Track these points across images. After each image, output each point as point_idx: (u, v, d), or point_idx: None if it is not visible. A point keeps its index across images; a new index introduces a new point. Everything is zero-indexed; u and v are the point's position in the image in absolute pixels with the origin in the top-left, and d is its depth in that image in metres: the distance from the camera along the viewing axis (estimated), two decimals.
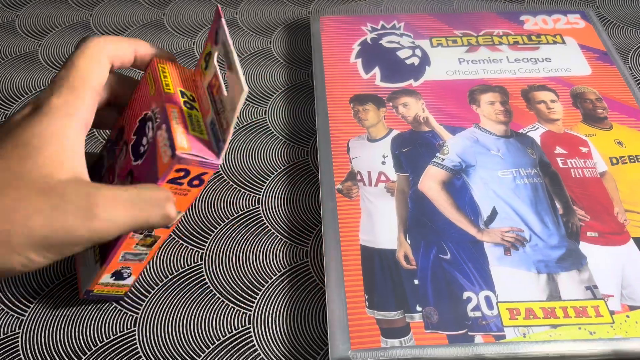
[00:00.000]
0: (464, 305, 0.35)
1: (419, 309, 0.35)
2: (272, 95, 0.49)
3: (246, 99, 0.49)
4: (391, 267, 0.37)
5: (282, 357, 0.35)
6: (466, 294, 0.35)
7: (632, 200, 0.40)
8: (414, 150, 0.43)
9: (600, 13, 0.58)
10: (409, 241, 0.38)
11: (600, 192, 0.40)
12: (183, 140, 0.27)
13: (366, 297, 0.35)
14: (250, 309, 0.37)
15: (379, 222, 0.39)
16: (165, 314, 0.36)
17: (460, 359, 0.33)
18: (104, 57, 0.30)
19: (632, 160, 0.42)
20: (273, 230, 0.40)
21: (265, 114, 0.48)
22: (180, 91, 0.30)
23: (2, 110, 0.48)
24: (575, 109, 0.46)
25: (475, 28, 0.53)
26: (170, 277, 0.38)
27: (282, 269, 0.39)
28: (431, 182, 0.41)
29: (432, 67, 0.49)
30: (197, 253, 0.39)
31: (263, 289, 0.38)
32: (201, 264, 0.39)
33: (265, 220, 0.41)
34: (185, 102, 0.30)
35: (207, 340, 0.35)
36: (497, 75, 0.48)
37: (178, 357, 0.34)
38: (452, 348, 0.33)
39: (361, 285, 0.36)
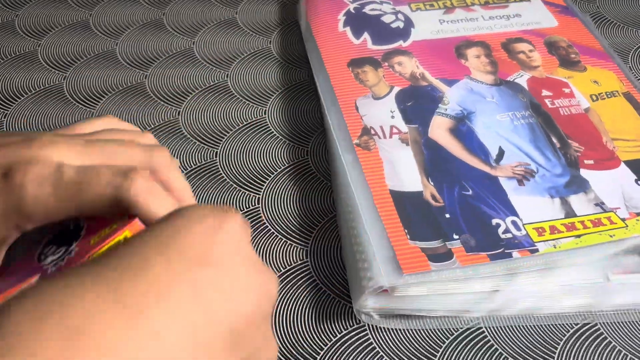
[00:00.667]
0: (495, 230, 0.37)
1: (456, 237, 0.37)
2: (272, 95, 0.49)
3: (246, 99, 0.49)
4: (422, 206, 0.39)
5: (282, 357, 0.35)
6: (495, 221, 0.38)
7: (616, 130, 0.44)
8: (417, 103, 0.46)
9: (600, 13, 0.58)
10: (431, 183, 0.40)
11: (588, 125, 0.44)
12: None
13: (406, 231, 0.37)
14: None
15: (401, 169, 0.41)
16: None
17: (507, 270, 0.35)
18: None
19: (609, 96, 0.47)
20: (273, 230, 0.40)
21: (265, 114, 0.48)
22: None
23: (2, 111, 0.48)
24: (552, 56, 0.50)
25: None
26: None
27: (282, 269, 0.39)
28: (440, 130, 0.44)
29: (417, 29, 0.52)
30: None
31: None
32: None
33: (265, 220, 0.41)
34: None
35: None
36: (477, 32, 0.52)
37: None
38: (495, 264, 0.35)
39: (399, 221, 0.38)
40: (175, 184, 0.29)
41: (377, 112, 0.45)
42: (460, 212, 0.39)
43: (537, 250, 0.36)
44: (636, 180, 0.40)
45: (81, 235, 0.27)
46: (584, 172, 0.41)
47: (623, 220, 0.38)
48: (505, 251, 0.36)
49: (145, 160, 0.28)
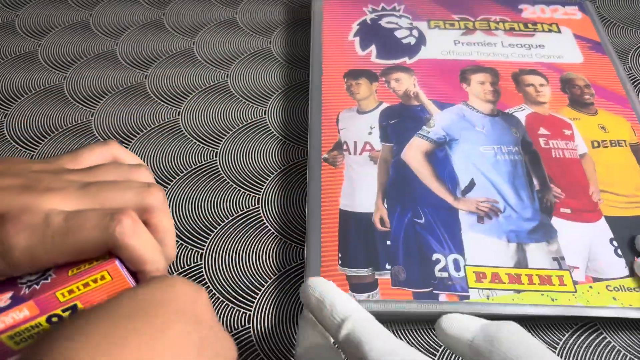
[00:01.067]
0: (432, 266, 0.36)
1: (388, 267, 0.36)
2: (272, 95, 0.49)
3: (246, 99, 0.49)
4: (366, 229, 0.38)
5: (282, 357, 0.35)
6: (435, 256, 0.37)
7: (608, 181, 0.42)
8: (401, 122, 0.45)
9: (600, 13, 0.58)
10: (386, 205, 0.40)
11: (578, 172, 0.42)
12: None
13: (340, 255, 0.37)
14: (250, 309, 0.37)
15: (359, 188, 0.40)
16: None
17: (423, 314, 0.35)
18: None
19: (614, 145, 0.44)
20: (273, 230, 0.40)
21: (265, 114, 0.48)
22: (70, 307, 0.27)
23: (2, 111, 0.48)
24: (564, 93, 0.48)
25: (473, 13, 0.54)
26: None
27: (282, 268, 0.39)
28: (415, 152, 0.43)
29: (427, 47, 0.51)
30: (197, 253, 0.39)
31: (263, 289, 0.38)
32: (201, 264, 0.39)
33: (265, 220, 0.41)
34: (51, 316, 0.27)
35: None
36: (490, 58, 0.50)
37: None
38: (416, 303, 0.35)
39: (336, 245, 0.38)
40: (162, 226, 0.30)
41: (356, 126, 0.44)
42: (404, 239, 0.38)
43: (467, 297, 0.35)
44: (611, 240, 0.38)
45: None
46: (555, 221, 0.39)
47: (575, 283, 0.36)
48: (434, 292, 0.35)
49: (138, 202, 0.29)
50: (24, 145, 0.46)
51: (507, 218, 0.39)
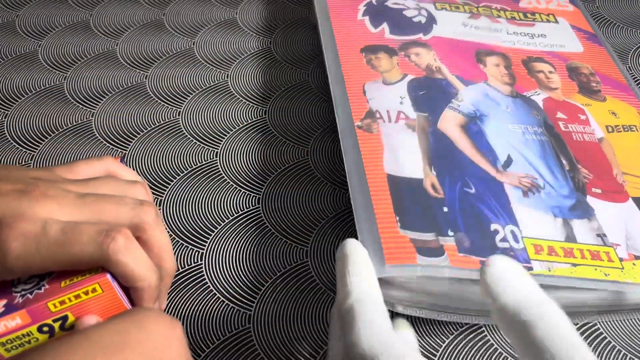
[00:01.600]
0: (492, 236, 0.36)
1: (450, 233, 0.35)
2: (272, 95, 0.49)
3: (246, 99, 0.49)
4: (420, 194, 0.37)
5: (282, 357, 0.35)
6: (493, 226, 0.36)
7: (627, 165, 0.42)
8: (430, 93, 0.44)
9: (600, 13, 0.58)
10: (434, 172, 0.39)
11: (600, 155, 0.42)
12: None
13: (397, 218, 0.35)
14: (250, 309, 0.37)
15: (402, 154, 0.39)
16: None
17: None
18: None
19: (626, 129, 0.44)
20: (273, 230, 0.40)
21: (265, 114, 0.48)
22: (60, 318, 0.28)
23: (2, 111, 0.48)
24: (572, 80, 0.48)
25: (475, 0, 0.55)
26: None
27: (282, 269, 0.39)
28: (450, 123, 0.42)
29: (439, 26, 0.51)
30: (197, 253, 0.39)
31: (263, 289, 0.38)
32: (201, 264, 0.39)
33: (265, 220, 0.41)
34: (42, 325, 0.28)
35: (207, 340, 0.35)
36: (499, 43, 0.50)
37: None
38: None
39: (391, 207, 0.36)
40: (157, 241, 0.30)
41: (385, 96, 0.44)
42: (460, 208, 0.37)
43: (531, 269, 0.34)
44: None
45: (54, 273, 0.28)
46: (590, 200, 0.39)
47: (620, 260, 0.36)
48: None
49: (131, 219, 0.29)
50: (24, 145, 0.46)
51: (548, 194, 0.39)
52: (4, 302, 0.27)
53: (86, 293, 0.27)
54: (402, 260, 0.33)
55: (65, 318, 0.28)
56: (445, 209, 0.37)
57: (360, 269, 0.30)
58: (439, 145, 0.40)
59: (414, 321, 0.36)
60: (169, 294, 0.37)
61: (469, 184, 0.38)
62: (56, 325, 0.28)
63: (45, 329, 0.28)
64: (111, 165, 0.33)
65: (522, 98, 0.45)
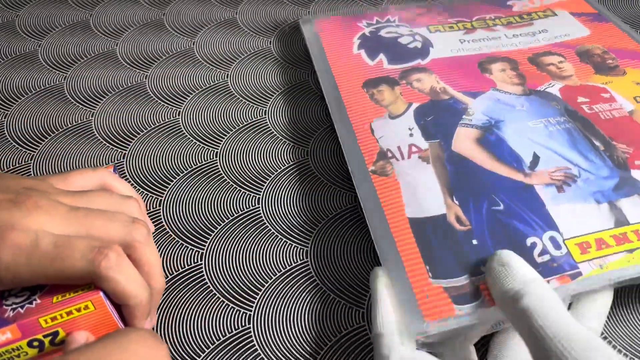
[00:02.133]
0: (529, 252, 0.33)
1: (483, 269, 0.33)
2: (272, 95, 0.49)
3: (246, 99, 0.49)
4: (445, 233, 0.35)
5: (282, 357, 0.35)
6: (529, 240, 0.33)
7: None
8: (438, 117, 0.42)
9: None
10: (456, 202, 0.36)
11: (634, 126, 0.40)
12: None
13: (427, 267, 0.33)
14: (250, 309, 0.37)
15: (421, 192, 0.37)
16: (164, 314, 0.36)
17: None
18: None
19: None
20: (273, 230, 0.40)
21: (265, 114, 0.48)
22: (51, 334, 0.28)
23: (2, 111, 0.48)
24: (585, 64, 0.47)
25: (468, 16, 0.54)
26: (170, 277, 0.38)
27: (282, 269, 0.39)
28: (465, 141, 0.40)
29: (436, 48, 0.50)
30: (197, 253, 0.39)
31: (263, 289, 0.38)
32: (201, 264, 0.39)
33: (265, 220, 0.41)
34: (32, 340, 0.28)
35: (207, 340, 0.35)
36: (501, 49, 0.49)
37: (178, 357, 0.34)
38: None
39: (419, 256, 0.34)
40: (147, 259, 0.30)
41: (394, 131, 0.42)
42: (489, 233, 0.34)
43: (579, 274, 0.31)
44: None
45: (46, 287, 0.28)
46: (635, 173, 0.36)
47: None
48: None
49: (123, 237, 0.29)
50: (24, 145, 0.46)
51: (586, 181, 0.36)
52: None
53: (78, 310, 0.27)
54: (440, 314, 0.31)
55: (55, 334, 0.28)
56: (475, 241, 0.34)
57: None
58: (458, 169, 0.38)
59: None
60: (169, 294, 0.37)
61: (496, 201, 0.36)
62: (46, 340, 0.28)
63: (36, 343, 0.28)
64: (106, 177, 0.33)
65: (536, 93, 0.44)
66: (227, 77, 0.51)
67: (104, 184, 0.34)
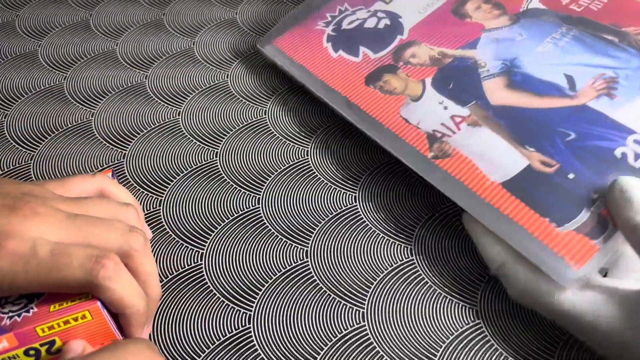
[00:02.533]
0: (624, 162, 0.33)
1: (595, 196, 0.33)
2: (272, 95, 0.49)
3: (246, 99, 0.49)
4: (541, 180, 0.34)
5: (282, 357, 0.35)
6: (618, 152, 0.34)
7: None
8: (457, 82, 0.41)
9: None
10: (531, 149, 0.36)
11: (628, 3, 0.40)
12: None
13: (548, 220, 0.33)
14: (250, 309, 0.37)
15: (494, 154, 0.36)
16: (164, 314, 0.36)
17: None
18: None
19: None
20: (273, 230, 0.40)
21: (265, 114, 0.48)
22: (48, 342, 0.28)
23: (2, 111, 0.48)
24: None
25: None
26: (170, 277, 0.38)
27: (282, 269, 0.39)
28: (498, 92, 0.39)
29: (405, 17, 0.48)
30: (197, 253, 0.39)
31: (263, 289, 0.38)
32: (201, 264, 0.39)
33: (265, 220, 0.41)
34: (29, 349, 0.28)
35: (207, 340, 0.35)
36: None
37: (178, 357, 0.34)
38: None
39: (534, 214, 0.33)
40: (144, 268, 0.30)
41: (427, 112, 0.40)
42: (580, 163, 0.33)
43: None
44: None
45: (43, 296, 0.28)
46: None
47: None
48: None
49: (121, 246, 0.29)
50: (24, 145, 0.46)
51: (627, 78, 0.36)
52: None
53: (75, 319, 0.27)
54: (586, 256, 0.31)
55: (52, 342, 0.28)
56: (571, 175, 0.34)
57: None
58: (512, 120, 0.37)
59: (423, 316, 0.36)
60: (169, 294, 0.37)
61: (564, 133, 0.35)
62: (43, 349, 0.28)
63: (32, 352, 0.28)
64: (105, 183, 0.33)
65: (523, 16, 0.43)
66: (227, 77, 0.51)
67: (102, 190, 0.33)
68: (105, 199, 0.32)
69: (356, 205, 0.42)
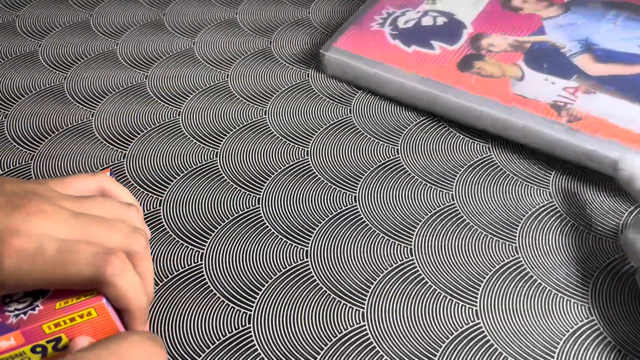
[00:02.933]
0: None
1: None
2: (272, 95, 0.49)
3: (246, 99, 0.49)
4: None
5: (282, 357, 0.35)
6: None
7: None
8: (549, 62, 0.45)
9: None
10: None
11: None
12: None
13: None
14: (250, 309, 0.37)
15: (622, 113, 0.41)
16: (164, 314, 0.36)
17: None
18: None
19: None
20: (273, 230, 0.40)
21: (265, 114, 0.48)
22: (54, 339, 0.28)
23: (2, 111, 0.48)
24: None
25: None
26: (170, 277, 0.38)
27: (282, 269, 0.39)
28: (590, 66, 0.44)
29: (459, 14, 0.51)
30: (197, 253, 0.39)
31: (263, 289, 0.38)
32: (201, 264, 0.39)
33: (265, 220, 0.41)
34: (36, 346, 0.28)
35: (207, 340, 0.35)
36: None
37: (178, 357, 0.34)
38: None
39: None
40: (142, 271, 0.31)
41: (539, 88, 0.44)
42: None
43: None
44: None
45: (49, 291, 0.29)
46: None
47: None
48: None
49: (124, 246, 0.30)
50: (24, 145, 0.46)
51: None
52: None
53: (81, 316, 0.28)
54: None
55: (58, 339, 0.28)
56: None
57: None
58: (617, 85, 0.42)
59: (422, 316, 0.36)
60: (169, 294, 0.37)
61: None
62: (49, 346, 0.28)
63: (39, 349, 0.28)
64: (105, 182, 0.33)
65: (571, 4, 0.47)
66: (227, 77, 0.51)
67: (103, 189, 0.34)
68: (108, 199, 0.32)
69: (356, 205, 0.42)
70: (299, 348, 0.35)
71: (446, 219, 0.41)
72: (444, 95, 0.45)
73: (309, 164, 0.44)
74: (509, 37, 0.48)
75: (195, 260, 0.39)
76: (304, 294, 0.37)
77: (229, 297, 0.37)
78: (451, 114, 0.45)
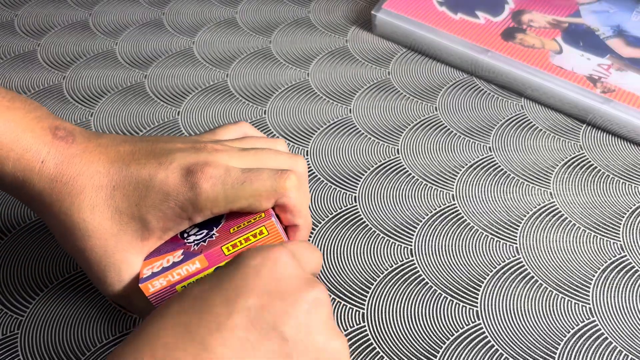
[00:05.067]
0: None
1: None
2: (272, 95, 0.49)
3: (246, 99, 0.49)
4: None
5: None
6: None
7: None
8: (585, 41, 0.50)
9: None
10: None
11: None
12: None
13: None
14: None
15: None
16: None
17: None
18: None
19: None
20: None
21: (264, 114, 0.48)
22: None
23: None
24: None
25: None
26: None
27: None
28: (622, 49, 0.48)
29: None
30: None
31: None
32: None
33: None
34: (217, 268, 0.30)
35: None
36: None
37: None
38: None
39: None
40: (306, 191, 0.34)
41: (574, 62, 0.48)
42: None
43: None
44: None
45: (221, 223, 0.32)
46: None
47: None
48: None
49: (291, 166, 0.33)
50: None
51: None
52: (181, 251, 0.30)
53: (254, 236, 0.30)
54: None
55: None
56: None
57: None
58: None
59: (423, 317, 0.36)
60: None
61: None
62: None
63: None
64: (246, 128, 0.37)
65: None
66: (227, 77, 0.51)
67: (246, 133, 0.36)
68: (259, 137, 0.35)
69: (356, 205, 0.42)
70: None
71: (447, 219, 0.41)
72: (490, 60, 0.49)
73: (309, 164, 0.44)
74: (547, 16, 0.52)
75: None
76: None
77: None
78: (494, 77, 0.50)
